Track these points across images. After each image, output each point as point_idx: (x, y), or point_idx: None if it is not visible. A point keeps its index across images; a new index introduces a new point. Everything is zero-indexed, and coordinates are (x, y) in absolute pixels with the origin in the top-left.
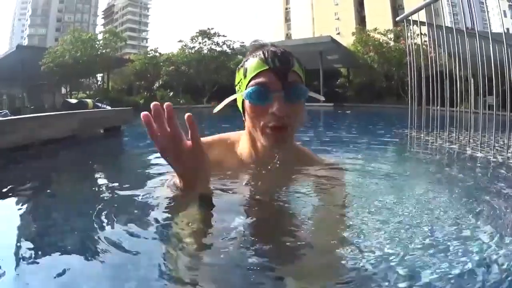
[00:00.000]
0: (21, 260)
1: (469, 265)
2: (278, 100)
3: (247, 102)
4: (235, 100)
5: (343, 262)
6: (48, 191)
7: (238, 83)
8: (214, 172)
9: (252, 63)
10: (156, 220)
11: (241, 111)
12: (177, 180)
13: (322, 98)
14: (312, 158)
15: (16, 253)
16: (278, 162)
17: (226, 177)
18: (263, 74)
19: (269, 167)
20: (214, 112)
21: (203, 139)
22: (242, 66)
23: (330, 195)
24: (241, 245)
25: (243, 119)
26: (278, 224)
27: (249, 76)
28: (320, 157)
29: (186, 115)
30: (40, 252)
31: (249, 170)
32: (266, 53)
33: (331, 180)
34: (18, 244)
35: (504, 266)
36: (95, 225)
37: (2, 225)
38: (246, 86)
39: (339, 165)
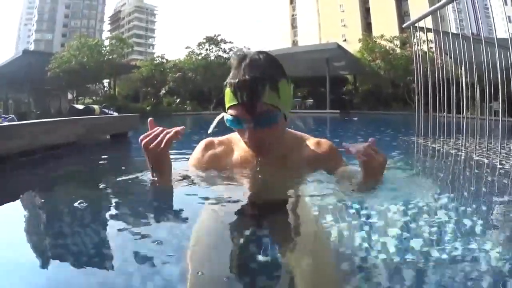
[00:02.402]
0: (23, 264)
1: (475, 272)
2: (248, 129)
3: None
4: None
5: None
6: (52, 196)
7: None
8: (218, 168)
9: (227, 92)
10: (157, 222)
11: None
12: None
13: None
14: (299, 136)
15: (19, 257)
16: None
17: (229, 173)
18: (234, 107)
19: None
20: (208, 132)
21: (214, 139)
22: (225, 87)
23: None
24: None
25: None
26: (275, 216)
27: (226, 104)
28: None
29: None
30: (42, 256)
31: (249, 165)
32: (235, 87)
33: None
34: (21, 248)
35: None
36: (98, 229)
37: (5, 228)
38: (227, 109)
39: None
